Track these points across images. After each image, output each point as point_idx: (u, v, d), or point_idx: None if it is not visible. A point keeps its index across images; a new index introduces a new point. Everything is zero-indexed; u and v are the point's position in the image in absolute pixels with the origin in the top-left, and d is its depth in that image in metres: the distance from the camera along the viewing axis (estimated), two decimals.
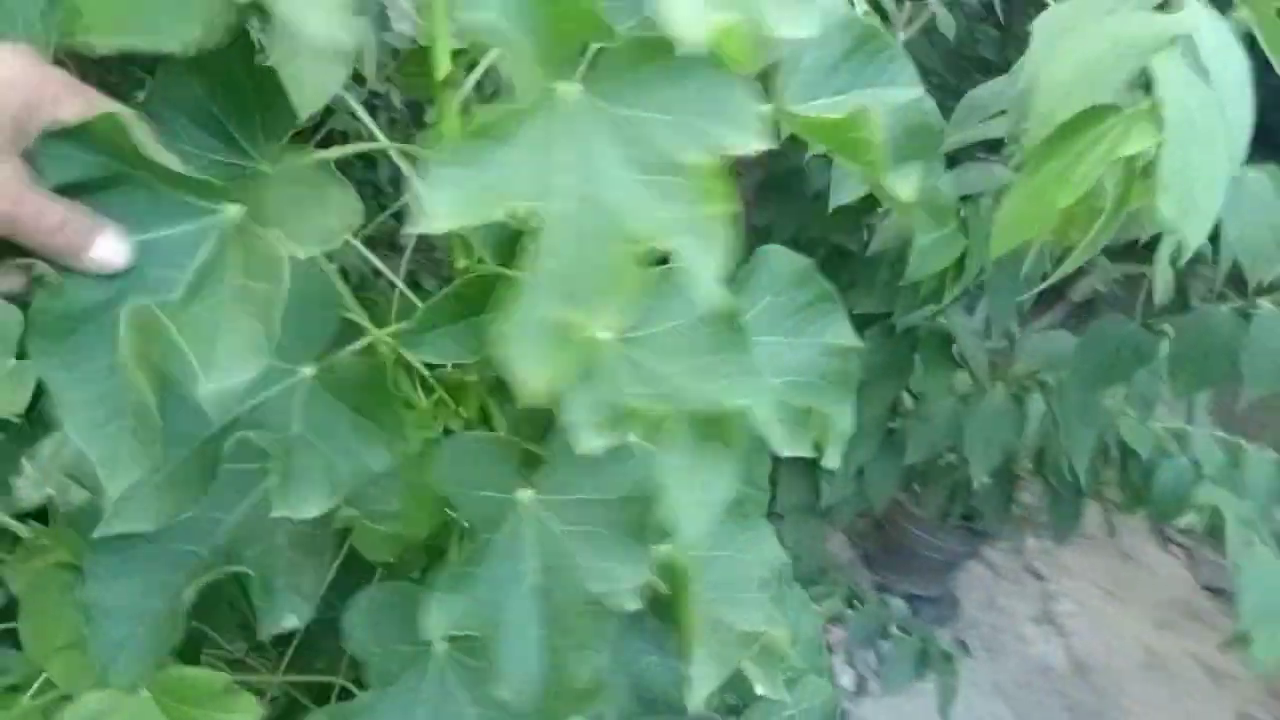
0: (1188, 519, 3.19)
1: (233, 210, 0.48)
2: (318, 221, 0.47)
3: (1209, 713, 2.45)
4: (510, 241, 0.66)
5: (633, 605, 0.63)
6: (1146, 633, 2.66)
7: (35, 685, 0.62)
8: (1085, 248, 0.54)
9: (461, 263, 0.67)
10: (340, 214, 0.47)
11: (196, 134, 0.67)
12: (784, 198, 1.22)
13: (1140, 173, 0.51)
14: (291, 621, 0.59)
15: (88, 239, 0.43)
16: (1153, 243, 1.03)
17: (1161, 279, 0.50)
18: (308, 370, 0.56)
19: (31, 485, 0.57)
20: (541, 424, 0.83)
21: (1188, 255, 0.52)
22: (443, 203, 0.42)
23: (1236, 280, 1.02)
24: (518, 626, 0.62)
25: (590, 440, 0.52)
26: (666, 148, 0.47)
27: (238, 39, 0.69)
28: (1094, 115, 0.52)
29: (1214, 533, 3.26)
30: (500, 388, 0.76)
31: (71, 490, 0.58)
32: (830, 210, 0.87)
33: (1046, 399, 1.25)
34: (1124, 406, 1.29)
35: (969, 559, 2.39)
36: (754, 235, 1.12)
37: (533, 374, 0.46)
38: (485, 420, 0.81)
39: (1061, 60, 0.53)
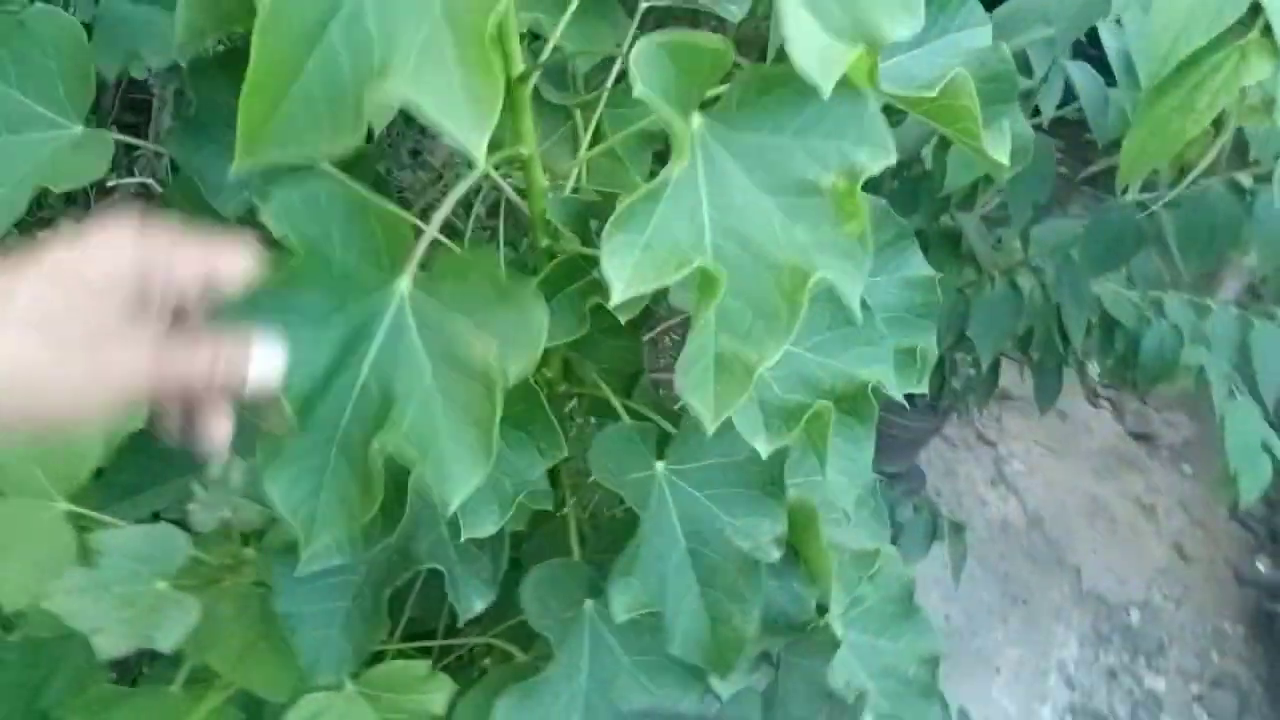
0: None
1: (403, 283, 0.47)
2: (517, 324, 0.47)
3: (1148, 547, 2.69)
4: (586, 216, 0.67)
5: (775, 556, 0.67)
6: (1087, 482, 2.87)
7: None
8: (1205, 166, 0.58)
9: (545, 242, 0.67)
10: (537, 314, 0.47)
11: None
12: None
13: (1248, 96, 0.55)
14: (479, 605, 0.61)
15: (242, 364, 0.42)
16: None
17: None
18: None
19: (205, 509, 0.57)
20: (629, 377, 0.85)
21: None
22: (622, 271, 0.44)
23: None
24: (678, 591, 0.65)
25: (764, 443, 0.55)
26: (799, 171, 0.48)
27: None
28: (1207, 48, 0.56)
29: (1137, 385, 3.49)
30: (581, 345, 0.77)
31: (247, 510, 0.58)
32: None
33: (1041, 282, 1.32)
34: (1106, 284, 1.37)
35: (932, 436, 2.52)
36: None
37: (705, 406, 0.48)
38: (568, 376, 0.83)
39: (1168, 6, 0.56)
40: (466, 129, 0.38)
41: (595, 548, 0.77)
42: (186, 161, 0.67)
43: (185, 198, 0.72)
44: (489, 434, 0.45)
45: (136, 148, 1.68)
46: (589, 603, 0.70)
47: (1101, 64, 0.99)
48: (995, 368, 1.57)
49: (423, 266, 0.48)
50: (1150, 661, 2.32)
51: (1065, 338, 1.34)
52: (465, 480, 0.45)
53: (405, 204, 0.62)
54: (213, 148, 0.67)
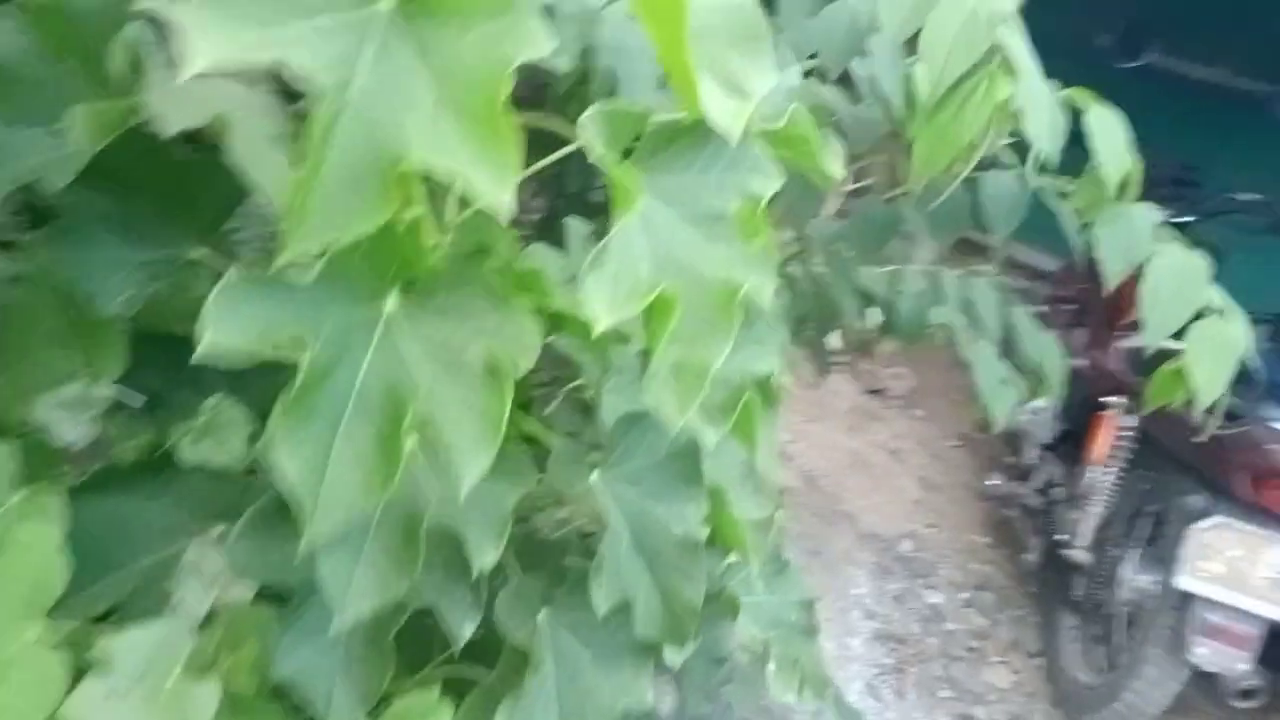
0: (838, 342, 3.82)
1: (392, 297, 0.52)
2: (512, 329, 0.53)
3: (902, 485, 3.09)
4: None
5: (704, 534, 0.78)
6: (844, 439, 3.25)
7: None
8: (970, 162, 0.76)
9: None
10: (529, 320, 0.53)
11: (111, 240, 0.68)
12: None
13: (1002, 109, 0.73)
14: (469, 630, 0.66)
15: None
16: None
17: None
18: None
19: (191, 596, 0.57)
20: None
21: (1044, 159, 0.76)
22: (601, 304, 0.52)
23: None
24: (632, 577, 0.75)
25: (712, 435, 0.65)
26: (709, 202, 0.59)
27: (139, 142, 0.69)
28: (967, 73, 0.73)
29: (863, 347, 3.92)
30: None
31: (234, 588, 0.59)
32: None
33: (812, 274, 1.53)
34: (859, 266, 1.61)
35: None
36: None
37: (669, 408, 0.57)
38: None
39: (934, 33, 0.73)
40: (487, 191, 0.43)
41: (529, 562, 0.84)
42: (60, 267, 0.66)
43: (52, 305, 0.71)
44: (495, 426, 0.50)
45: None
46: (543, 610, 0.76)
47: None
48: None
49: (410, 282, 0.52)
50: (926, 581, 2.68)
51: (833, 316, 1.56)
52: (473, 466, 0.50)
53: None
54: (86, 251, 0.67)
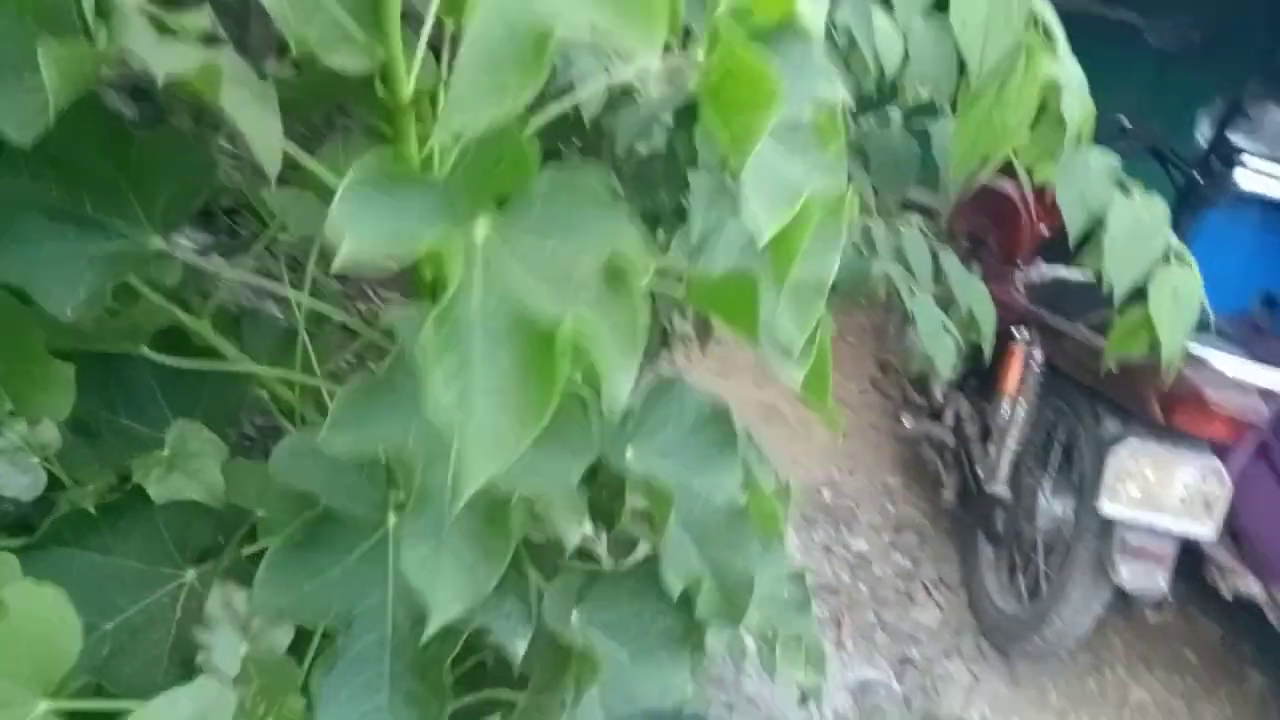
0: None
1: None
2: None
3: (814, 433, 3.13)
4: None
5: (745, 500, 0.74)
6: (754, 391, 3.26)
7: None
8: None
9: None
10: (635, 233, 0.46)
11: (58, 233, 0.59)
12: None
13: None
14: (522, 645, 0.60)
15: None
16: None
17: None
18: None
19: (219, 651, 0.48)
20: None
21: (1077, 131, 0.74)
22: (762, 205, 0.47)
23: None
24: (682, 556, 0.70)
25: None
26: (788, 111, 0.55)
27: (86, 121, 0.59)
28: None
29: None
30: None
31: (265, 636, 0.50)
32: None
33: None
34: None
35: None
36: None
37: (794, 327, 0.54)
38: None
39: (966, 11, 0.68)
40: (637, 47, 0.40)
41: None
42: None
43: None
44: (633, 335, 0.45)
45: None
46: (574, 613, 0.71)
47: None
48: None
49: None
50: (849, 528, 2.74)
51: None
52: (621, 381, 0.44)
53: None
54: (28, 248, 0.56)
